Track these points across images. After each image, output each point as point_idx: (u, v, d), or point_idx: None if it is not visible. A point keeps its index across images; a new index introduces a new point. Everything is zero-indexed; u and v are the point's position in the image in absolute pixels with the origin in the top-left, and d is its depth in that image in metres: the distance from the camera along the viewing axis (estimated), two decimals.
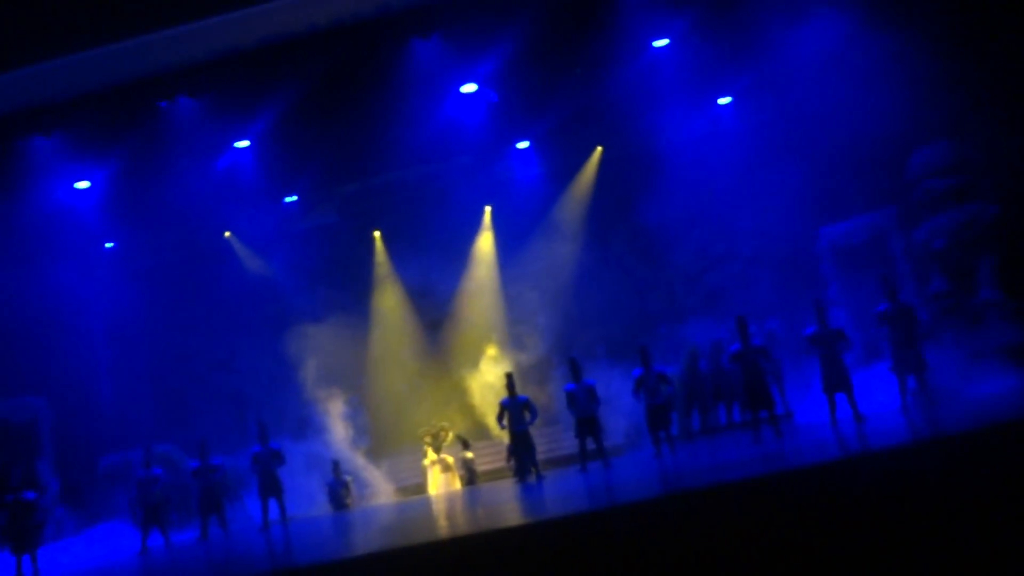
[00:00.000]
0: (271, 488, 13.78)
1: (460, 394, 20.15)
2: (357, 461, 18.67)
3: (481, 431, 19.52)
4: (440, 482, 16.58)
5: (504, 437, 16.32)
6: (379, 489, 18.22)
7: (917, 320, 12.09)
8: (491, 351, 20.24)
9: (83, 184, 16.88)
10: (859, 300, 15.63)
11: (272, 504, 13.80)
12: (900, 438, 8.37)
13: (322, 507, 16.82)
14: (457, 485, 16.68)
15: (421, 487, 17.15)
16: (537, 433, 13.66)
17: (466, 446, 17.19)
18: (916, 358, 11.76)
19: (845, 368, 11.66)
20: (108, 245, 19.88)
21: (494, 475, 17.37)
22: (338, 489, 16.35)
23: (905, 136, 15.17)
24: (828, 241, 17.01)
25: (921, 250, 14.94)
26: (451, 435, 17.46)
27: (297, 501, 17.46)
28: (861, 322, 15.11)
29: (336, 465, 16.60)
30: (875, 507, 6.12)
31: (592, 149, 20.29)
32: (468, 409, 19.90)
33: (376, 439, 19.88)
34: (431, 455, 16.80)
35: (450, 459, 16.83)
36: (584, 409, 12.82)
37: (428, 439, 17.13)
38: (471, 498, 12.18)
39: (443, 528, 8.31)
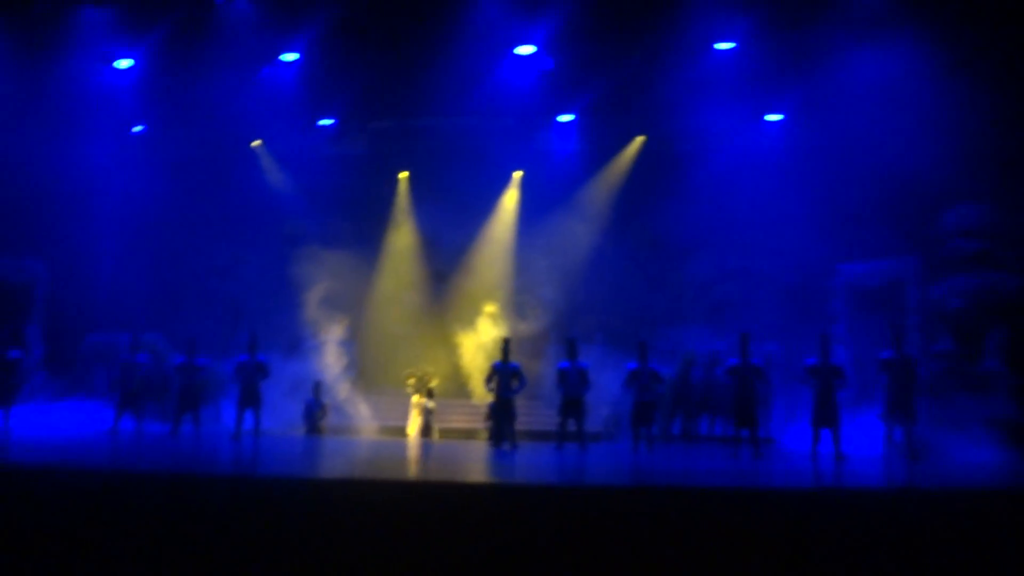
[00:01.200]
0: (250, 399, 13.82)
1: (451, 348, 20.17)
2: (341, 390, 18.74)
3: (462, 390, 19.57)
4: (418, 425, 16.64)
5: (484, 401, 16.41)
6: (361, 424, 18.26)
7: (916, 374, 12.06)
8: (490, 313, 20.25)
9: (125, 63, 16.81)
10: (863, 342, 15.57)
11: (248, 415, 13.86)
12: (873, 482, 8.38)
13: (297, 428, 16.88)
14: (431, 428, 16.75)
15: (403, 430, 17.16)
16: (519, 404, 13.66)
17: (430, 395, 17.04)
18: (908, 411, 11.75)
19: (837, 405, 11.64)
20: (136, 129, 19.86)
21: (463, 434, 17.37)
22: (314, 410, 16.37)
23: (942, 189, 15.02)
24: (844, 279, 16.94)
25: (935, 306, 14.86)
26: (435, 381, 17.45)
27: (273, 417, 17.58)
28: (861, 364, 15.07)
29: (317, 385, 16.63)
30: (837, 544, 6.13)
31: (633, 137, 20.18)
32: (456, 365, 19.92)
33: (364, 374, 19.96)
34: (415, 397, 16.84)
35: (431, 404, 16.84)
36: (573, 390, 12.81)
37: (411, 381, 17.15)
38: (443, 451, 12.23)
39: (404, 471, 8.35)
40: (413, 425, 16.72)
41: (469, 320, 20.25)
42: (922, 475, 9.17)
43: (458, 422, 17.96)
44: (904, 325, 14.76)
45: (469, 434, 17.29)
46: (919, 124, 13.98)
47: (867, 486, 8.06)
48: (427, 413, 16.80)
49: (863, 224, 16.48)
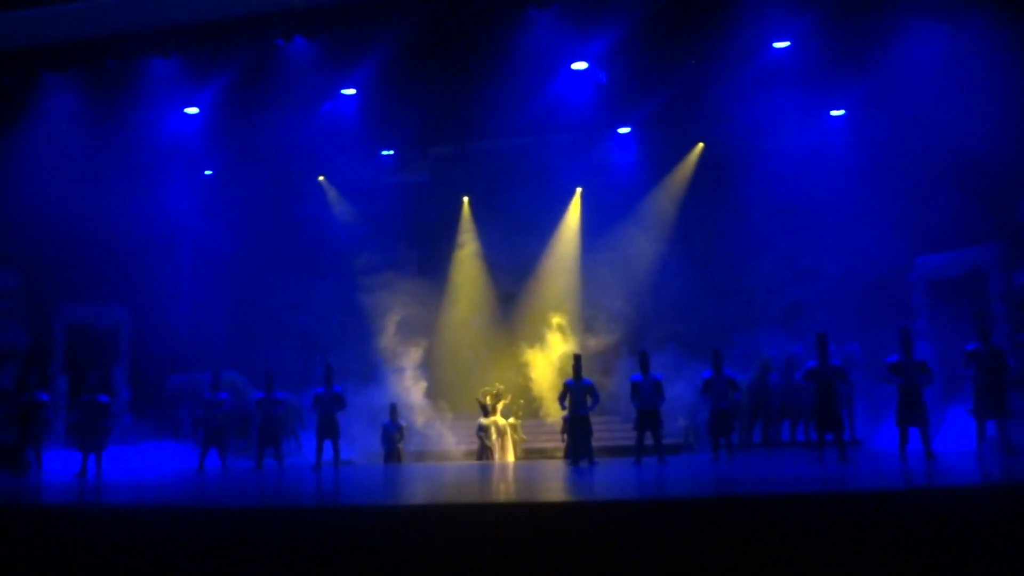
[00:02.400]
0: (328, 430, 14.03)
1: (522, 368, 20.19)
2: (420, 416, 18.95)
3: (533, 408, 19.49)
4: (496, 446, 16.67)
5: (556, 420, 16.39)
6: (442, 449, 18.45)
7: (1007, 365, 11.57)
8: (559, 325, 20.23)
9: (192, 110, 17.39)
10: (948, 336, 15.07)
11: (327, 446, 14.07)
12: (969, 480, 8.08)
13: (377, 456, 17.03)
14: (510, 449, 16.74)
15: (474, 452, 17.25)
16: (593, 420, 13.57)
17: (485, 412, 17.04)
18: (1000, 404, 11.29)
19: (923, 403, 11.22)
20: (207, 172, 20.52)
21: (539, 454, 17.35)
22: (392, 432, 16.44)
23: (1018, 172, 14.50)
24: (923, 271, 16.46)
25: (1021, 293, 14.31)
26: (507, 398, 17.40)
27: (354, 447, 17.85)
28: (947, 358, 14.58)
29: (394, 408, 16.71)
30: (934, 545, 5.92)
31: (693, 144, 20.03)
32: (527, 385, 19.88)
33: (438, 399, 20.14)
34: (492, 416, 16.87)
35: (504, 422, 16.84)
36: (648, 402, 12.68)
37: (488, 399, 17.13)
38: (522, 471, 12.21)
39: (487, 494, 8.35)
40: (504, 448, 16.77)
41: (538, 339, 20.26)
42: (1018, 470, 8.82)
43: (534, 442, 17.97)
44: (989, 314, 14.25)
45: (545, 453, 17.28)
46: (988, 105, 13.54)
47: (961, 484, 7.77)
48: (499, 433, 16.81)
49: (938, 213, 15.99)
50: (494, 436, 16.79)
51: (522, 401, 18.14)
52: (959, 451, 12.00)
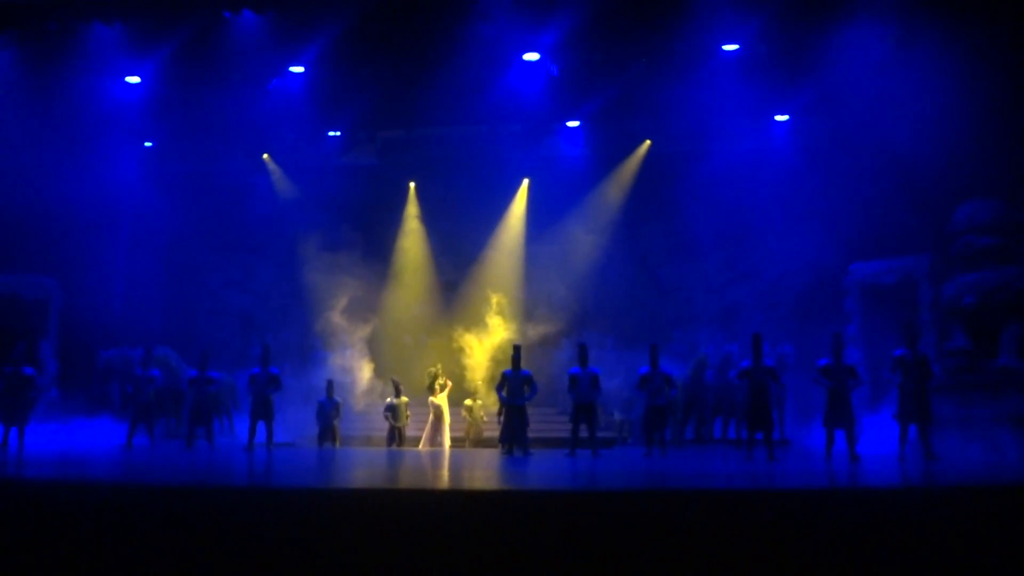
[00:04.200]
0: (263, 411, 13.83)
1: (460, 357, 20.14)
2: (357, 401, 18.77)
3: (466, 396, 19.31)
4: (431, 428, 16.54)
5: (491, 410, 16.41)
6: (377, 434, 18.18)
7: (932, 372, 11.92)
8: (501, 315, 20.24)
9: (134, 79, 16.95)
10: (878, 341, 15.48)
11: (261, 427, 13.88)
12: (889, 482, 8.30)
13: (311, 439, 16.79)
14: (447, 433, 16.54)
15: (417, 439, 17.05)
16: (529, 410, 13.59)
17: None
18: (923, 410, 11.61)
19: (850, 406, 11.53)
20: (147, 144, 20.02)
21: (473, 443, 17.23)
22: (328, 409, 16.13)
23: (954, 185, 14.91)
24: (857, 277, 16.86)
25: (948, 304, 14.74)
26: (444, 378, 17.04)
27: (289, 429, 17.61)
28: (875, 364, 14.98)
29: (330, 384, 16.40)
30: (854, 543, 6.08)
31: (641, 141, 20.20)
32: (462, 373, 19.79)
33: (377, 384, 20.02)
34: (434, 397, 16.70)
35: (442, 403, 16.67)
36: (584, 395, 12.78)
37: (427, 380, 16.93)
38: (454, 459, 12.21)
39: (413, 479, 8.32)
40: (440, 431, 16.55)
41: (477, 328, 20.26)
42: (937, 474, 9.09)
43: (456, 431, 17.82)
44: (918, 323, 14.65)
45: (461, 443, 17.19)
46: (929, 120, 13.89)
47: (882, 486, 7.99)
48: (437, 415, 16.55)
49: (875, 222, 16.41)
50: (431, 417, 16.62)
51: (449, 383, 17.91)
52: (882, 454, 12.31)
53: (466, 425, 17.30)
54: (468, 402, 17.49)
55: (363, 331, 20.51)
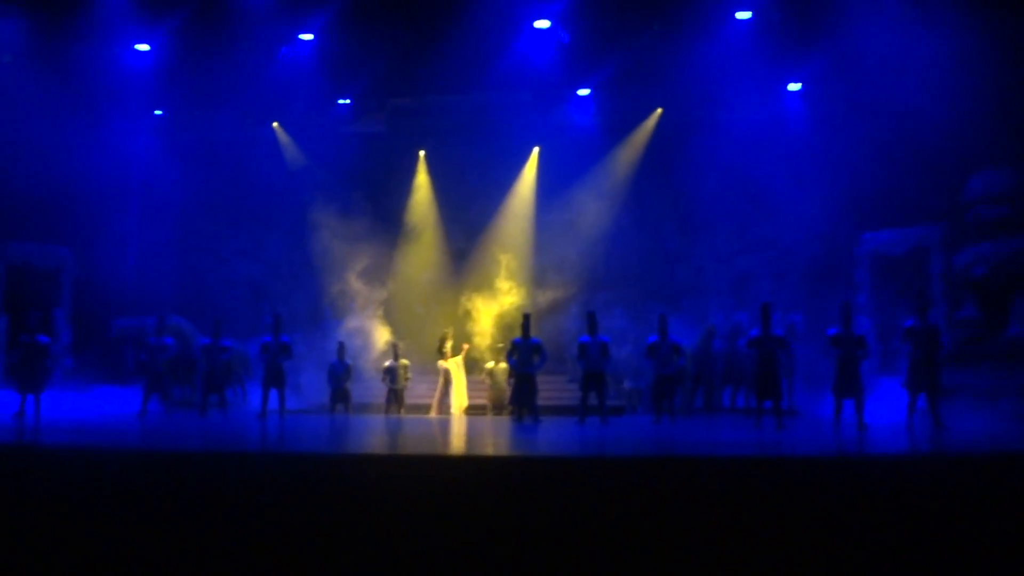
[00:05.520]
0: (274, 379, 13.96)
1: (466, 322, 20.20)
2: (371, 365, 18.88)
3: (475, 365, 19.25)
4: (439, 392, 16.59)
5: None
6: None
7: (941, 343, 11.92)
8: (509, 287, 20.25)
9: (143, 47, 16.93)
10: (887, 311, 15.48)
11: (273, 395, 14.02)
12: (897, 450, 8.36)
13: (324, 408, 16.83)
14: (455, 397, 16.54)
15: (418, 406, 17.12)
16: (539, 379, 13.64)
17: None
18: (932, 379, 11.63)
19: (859, 375, 11.55)
20: (157, 112, 20.03)
21: (481, 410, 17.20)
22: (339, 371, 15.93)
23: (968, 155, 14.83)
24: (868, 247, 16.81)
25: (960, 274, 14.72)
26: (460, 345, 17.04)
27: (301, 397, 17.75)
28: (884, 333, 15.00)
29: (341, 347, 16.25)
30: (860, 510, 6.14)
31: (652, 109, 20.07)
32: (468, 339, 19.78)
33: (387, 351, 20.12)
34: (443, 361, 16.66)
35: (453, 367, 16.65)
36: (594, 363, 12.81)
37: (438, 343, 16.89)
38: (464, 426, 12.31)
39: (425, 446, 8.42)
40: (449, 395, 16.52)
41: (487, 297, 20.29)
42: (946, 443, 9.14)
43: (476, 398, 17.90)
44: (928, 293, 14.63)
45: (484, 410, 17.18)
46: (942, 89, 13.78)
47: (889, 453, 8.05)
48: (447, 380, 16.51)
49: (887, 192, 16.33)
50: (440, 382, 16.68)
51: (466, 345, 17.94)
52: (890, 423, 12.36)
53: (488, 391, 17.05)
54: (490, 364, 17.12)
55: (380, 294, 20.63)
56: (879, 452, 8.12)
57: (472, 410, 16.81)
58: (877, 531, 6.04)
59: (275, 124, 20.89)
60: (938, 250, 15.72)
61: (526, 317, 13.64)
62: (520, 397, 13.21)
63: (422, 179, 21.65)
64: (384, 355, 18.35)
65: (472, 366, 18.17)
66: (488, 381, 17.04)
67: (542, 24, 16.26)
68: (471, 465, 6.96)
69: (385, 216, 21.12)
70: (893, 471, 6.92)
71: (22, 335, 13.58)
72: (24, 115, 16.49)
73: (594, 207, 20.15)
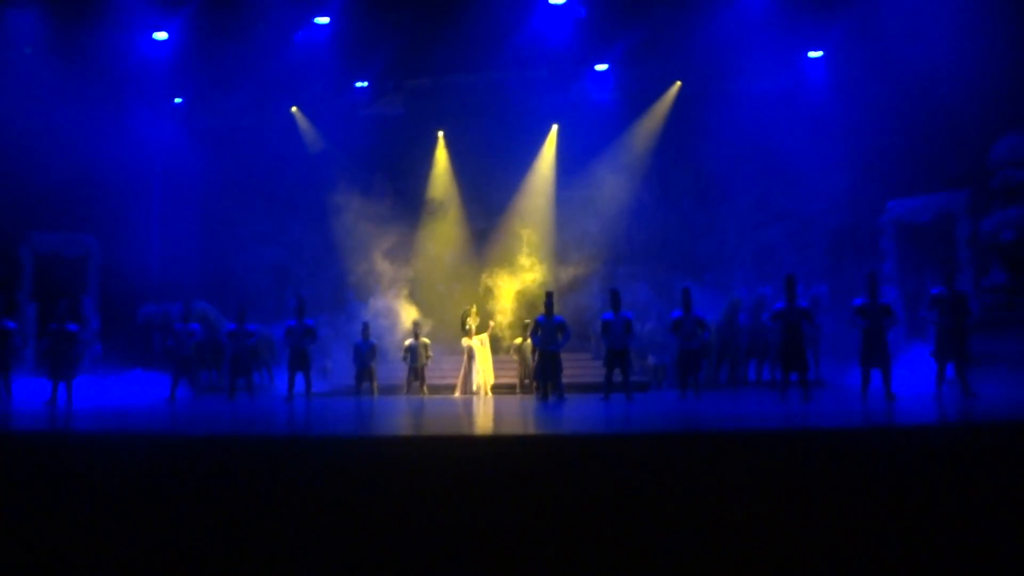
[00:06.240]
0: (300, 362, 14.07)
1: (487, 299, 20.22)
2: (394, 347, 18.97)
3: (497, 343, 19.25)
4: (463, 370, 16.60)
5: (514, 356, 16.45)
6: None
7: (969, 310, 11.76)
8: (531, 263, 20.22)
9: (161, 35, 16.97)
10: (913, 279, 15.32)
11: (299, 378, 14.13)
12: (926, 420, 8.29)
13: (350, 391, 16.89)
14: (477, 374, 16.56)
15: (449, 387, 17.17)
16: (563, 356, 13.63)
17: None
18: (960, 348, 11.48)
19: (887, 345, 11.42)
20: (177, 100, 20.12)
21: (507, 389, 17.24)
22: (364, 351, 15.99)
23: (993, 119, 14.57)
24: (893, 215, 16.62)
25: (987, 240, 14.51)
26: (476, 318, 17.00)
27: (326, 379, 17.87)
28: (911, 302, 14.85)
29: (366, 327, 16.31)
30: (888, 481, 6.10)
31: (671, 83, 19.90)
32: (490, 316, 19.79)
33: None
34: (467, 339, 16.70)
35: (470, 343, 16.68)
36: (618, 340, 12.79)
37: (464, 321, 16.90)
38: (489, 405, 12.36)
39: (455, 426, 8.46)
40: (472, 372, 16.52)
41: (508, 275, 20.30)
42: (975, 411, 9.05)
43: (503, 377, 17.95)
44: (955, 260, 14.46)
45: (513, 388, 17.25)
46: (966, 54, 13.54)
47: (919, 423, 7.98)
48: (471, 356, 16.54)
49: (911, 159, 16.10)
50: (464, 359, 16.74)
51: (492, 323, 17.98)
52: (919, 392, 12.26)
53: (518, 367, 17.02)
54: (518, 340, 17.08)
55: (406, 273, 20.70)
56: (908, 423, 8.05)
57: (499, 389, 16.83)
58: (907, 503, 6.00)
59: (294, 108, 20.94)
60: (964, 216, 15.52)
61: (549, 295, 13.62)
62: (544, 375, 13.22)
63: (441, 158, 21.64)
64: (409, 334, 18.45)
65: (495, 344, 18.14)
66: (516, 357, 17.04)
67: (558, 0, 16.12)
68: (495, 444, 6.98)
69: (406, 196, 21.17)
70: (923, 442, 6.87)
71: (51, 323, 13.76)
72: (47, 106, 16.64)
73: (614, 182, 20.06)
